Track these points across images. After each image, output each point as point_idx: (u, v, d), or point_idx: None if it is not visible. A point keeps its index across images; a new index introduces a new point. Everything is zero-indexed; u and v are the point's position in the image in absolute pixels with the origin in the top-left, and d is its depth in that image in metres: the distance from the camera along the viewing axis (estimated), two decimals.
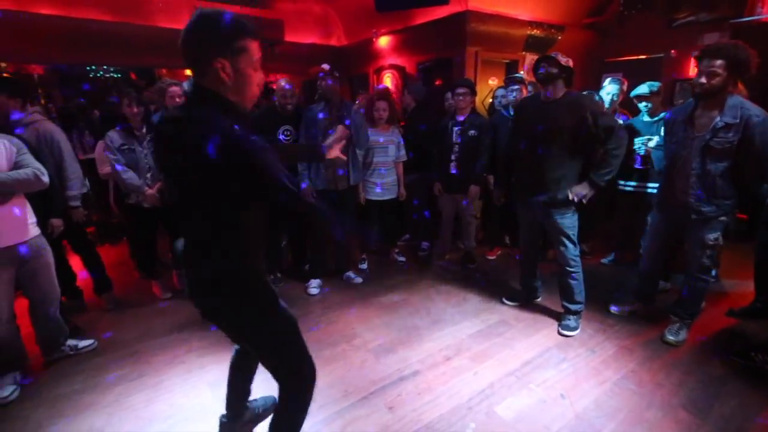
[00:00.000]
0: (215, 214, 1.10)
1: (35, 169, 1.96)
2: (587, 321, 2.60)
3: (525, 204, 2.56)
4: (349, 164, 2.97)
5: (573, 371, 2.15)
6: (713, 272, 3.10)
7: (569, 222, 2.42)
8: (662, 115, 2.79)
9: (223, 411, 1.65)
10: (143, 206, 2.73)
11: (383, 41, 5.63)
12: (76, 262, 2.91)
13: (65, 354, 2.31)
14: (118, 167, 2.63)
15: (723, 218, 2.17)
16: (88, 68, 7.02)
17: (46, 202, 2.28)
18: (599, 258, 3.60)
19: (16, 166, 1.95)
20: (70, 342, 2.35)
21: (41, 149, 2.33)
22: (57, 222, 2.41)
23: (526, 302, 2.87)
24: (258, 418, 1.75)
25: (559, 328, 2.52)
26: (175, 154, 1.06)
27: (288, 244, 3.59)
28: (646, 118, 2.95)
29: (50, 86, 6.45)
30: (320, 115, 2.91)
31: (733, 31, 4.09)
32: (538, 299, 2.90)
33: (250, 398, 1.72)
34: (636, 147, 2.87)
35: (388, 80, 5.71)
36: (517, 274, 2.92)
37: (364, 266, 3.51)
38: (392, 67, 5.65)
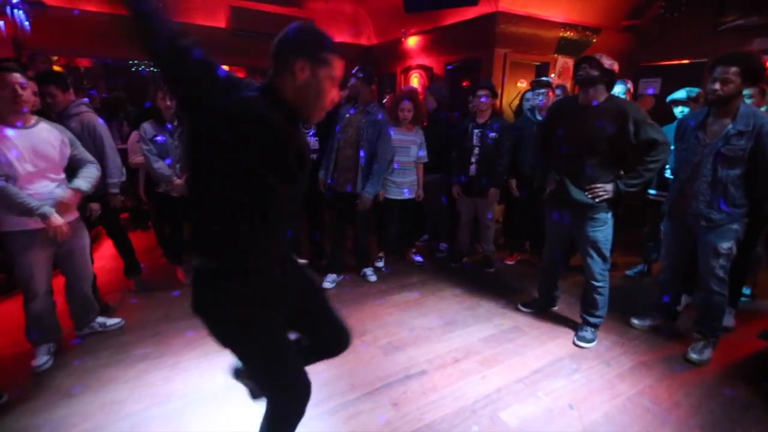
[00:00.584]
0: (201, 203, 1.08)
1: (94, 164, 2.23)
2: (605, 333, 2.52)
3: (553, 214, 2.49)
4: (359, 173, 2.93)
5: (585, 383, 2.10)
6: (747, 290, 2.94)
7: (602, 236, 2.32)
8: None
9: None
10: (171, 195, 2.87)
11: (412, 41, 5.64)
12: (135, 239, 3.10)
13: (94, 330, 2.47)
14: (151, 157, 2.77)
15: (735, 227, 2.11)
16: (130, 62, 7.42)
17: None
18: (624, 269, 3.48)
19: (71, 159, 2.14)
20: (100, 319, 2.50)
21: (83, 139, 2.49)
22: (95, 206, 2.57)
23: (543, 310, 2.81)
24: (253, 394, 1.73)
25: (575, 339, 2.46)
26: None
27: (309, 238, 3.66)
28: None
29: (96, 79, 6.86)
30: (345, 113, 2.99)
31: None
32: (555, 308, 2.84)
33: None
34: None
35: (415, 80, 5.71)
36: (535, 281, 2.87)
37: (381, 264, 3.54)
38: (420, 67, 5.65)
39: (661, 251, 2.54)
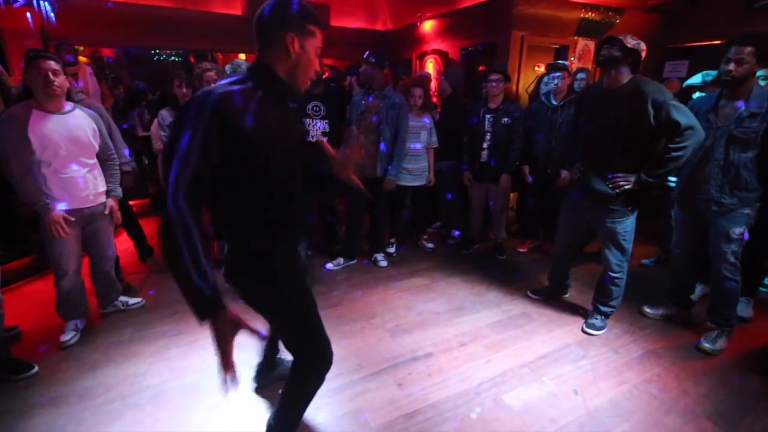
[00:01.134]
0: (220, 187, 1.10)
1: (114, 156, 2.38)
2: (615, 321, 2.49)
3: (573, 202, 2.43)
4: (380, 157, 3.00)
5: (591, 369, 2.09)
6: (767, 280, 2.84)
7: (621, 227, 2.22)
8: None
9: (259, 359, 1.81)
10: None
11: (427, 26, 5.54)
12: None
13: (117, 309, 2.61)
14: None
15: (747, 211, 2.06)
16: (152, 52, 7.58)
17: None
18: (640, 259, 3.40)
19: (101, 143, 2.26)
20: (122, 298, 2.64)
21: None
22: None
23: (553, 298, 2.79)
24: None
25: (584, 326, 2.44)
26: None
27: (320, 221, 3.72)
28: None
29: (120, 68, 7.05)
30: (361, 100, 3.03)
31: None
32: (566, 296, 2.82)
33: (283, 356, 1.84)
34: None
35: (430, 66, 5.63)
36: (547, 269, 2.85)
37: (392, 250, 3.57)
38: (435, 52, 5.55)
39: (673, 239, 2.47)
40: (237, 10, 5.39)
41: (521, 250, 3.68)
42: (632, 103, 1.99)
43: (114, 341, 2.32)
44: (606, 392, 1.93)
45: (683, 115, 1.92)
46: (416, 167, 3.29)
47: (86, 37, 4.92)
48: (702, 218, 2.20)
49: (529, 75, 4.56)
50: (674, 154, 1.96)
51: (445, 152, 3.47)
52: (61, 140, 2.03)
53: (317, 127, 3.07)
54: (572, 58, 4.63)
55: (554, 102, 3.16)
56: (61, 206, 2.08)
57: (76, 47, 4.39)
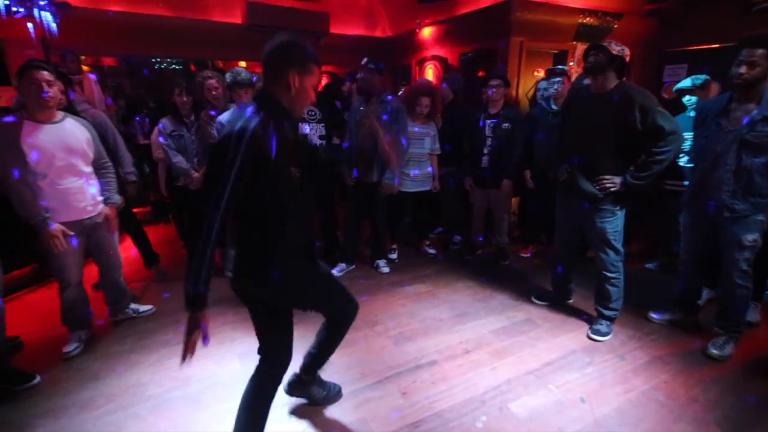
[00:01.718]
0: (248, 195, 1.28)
1: (109, 165, 2.35)
2: (620, 327, 2.47)
3: (565, 203, 2.45)
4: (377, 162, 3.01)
5: (598, 376, 2.07)
6: None
7: (611, 227, 2.26)
8: None
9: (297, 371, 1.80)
10: (190, 188, 2.96)
11: (426, 32, 5.57)
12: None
13: (129, 316, 2.60)
14: (169, 152, 2.87)
15: (760, 217, 2.04)
16: (153, 60, 7.61)
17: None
18: (644, 262, 3.39)
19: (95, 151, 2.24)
20: (133, 306, 2.64)
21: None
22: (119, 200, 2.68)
23: (557, 303, 2.78)
24: (315, 399, 1.84)
25: (589, 332, 2.42)
26: None
27: (320, 228, 3.70)
28: (692, 114, 2.72)
29: (120, 76, 7.08)
30: (360, 107, 3.03)
31: None
32: (570, 301, 2.80)
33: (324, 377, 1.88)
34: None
35: (430, 72, 5.65)
36: (549, 274, 2.83)
37: (394, 256, 3.56)
38: (434, 58, 5.58)
39: (680, 244, 2.46)
40: (237, 19, 5.43)
41: (524, 255, 3.67)
42: (619, 108, 2.07)
43: (116, 350, 2.30)
44: (613, 400, 1.90)
45: (667, 121, 2.03)
46: (419, 173, 3.29)
47: (87, 47, 4.95)
48: (711, 224, 2.19)
49: (529, 80, 4.58)
50: (658, 157, 2.06)
51: (446, 158, 3.47)
52: (55, 150, 2.01)
53: (315, 131, 3.09)
54: (571, 63, 4.65)
55: (554, 107, 3.16)
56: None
57: (80, 57, 4.42)
